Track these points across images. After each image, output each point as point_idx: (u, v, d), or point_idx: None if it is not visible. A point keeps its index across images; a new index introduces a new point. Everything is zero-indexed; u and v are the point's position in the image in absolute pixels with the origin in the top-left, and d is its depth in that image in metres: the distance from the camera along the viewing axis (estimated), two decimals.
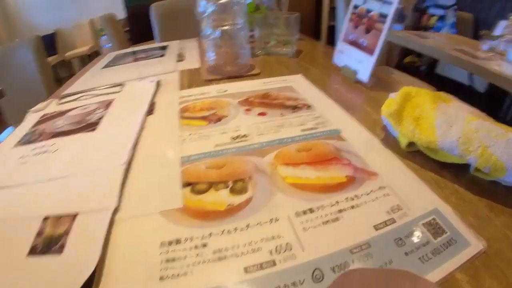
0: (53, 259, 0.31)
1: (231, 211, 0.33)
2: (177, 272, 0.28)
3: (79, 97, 0.71)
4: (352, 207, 0.33)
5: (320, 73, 0.75)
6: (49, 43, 4.61)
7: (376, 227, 0.30)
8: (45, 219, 0.36)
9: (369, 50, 0.65)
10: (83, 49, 4.85)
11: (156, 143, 0.49)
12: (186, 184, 0.38)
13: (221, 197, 0.35)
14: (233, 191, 0.36)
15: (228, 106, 0.58)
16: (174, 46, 1.22)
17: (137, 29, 4.37)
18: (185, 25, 1.63)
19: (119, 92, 0.71)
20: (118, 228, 0.34)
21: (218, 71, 0.76)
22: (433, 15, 2.64)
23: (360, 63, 0.67)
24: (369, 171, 0.38)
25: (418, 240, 0.29)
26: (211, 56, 0.76)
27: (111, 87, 0.75)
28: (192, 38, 1.31)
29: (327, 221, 0.31)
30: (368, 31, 0.67)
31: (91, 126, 0.57)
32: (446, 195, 0.34)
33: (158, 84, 0.72)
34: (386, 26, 0.61)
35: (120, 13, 4.32)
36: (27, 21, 4.92)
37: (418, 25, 2.77)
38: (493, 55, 1.38)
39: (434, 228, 0.30)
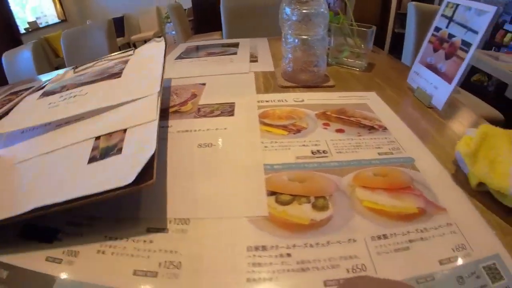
0: (114, 159, 0.40)
1: (313, 226, 0.37)
2: (263, 276, 0.31)
3: (94, 64, 0.77)
4: (421, 239, 0.35)
5: (393, 92, 0.76)
6: (117, 26, 4.93)
7: (441, 262, 0.32)
8: (97, 138, 0.44)
9: (447, 77, 0.65)
10: (148, 33, 5.25)
11: (238, 146, 0.53)
12: (270, 193, 0.41)
13: (304, 211, 0.39)
14: (315, 207, 0.39)
15: (306, 117, 0.61)
16: (245, 44, 1.25)
17: (201, 20, 4.58)
18: (253, 22, 1.67)
19: (132, 54, 0.78)
20: (206, 225, 0.37)
21: (293, 78, 0.79)
22: (508, 32, 2.50)
23: (436, 88, 0.67)
24: (439, 206, 0.40)
25: (477, 281, 0.31)
26: (288, 63, 0.79)
27: (123, 52, 0.82)
28: (262, 38, 1.34)
29: (398, 249, 0.34)
30: (448, 57, 0.67)
31: (115, 75, 0.64)
32: (508, 242, 0.35)
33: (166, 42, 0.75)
34: (468, 56, 0.61)
35: (186, 3, 4.52)
36: (98, 3, 5.24)
37: (491, 42, 2.62)
38: None
39: (493, 273, 0.31)
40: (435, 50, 0.71)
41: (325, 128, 0.58)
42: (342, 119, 0.61)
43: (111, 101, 0.53)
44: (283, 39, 0.79)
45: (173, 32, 4.36)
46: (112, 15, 4.50)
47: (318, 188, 0.43)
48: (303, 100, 0.69)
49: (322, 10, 0.72)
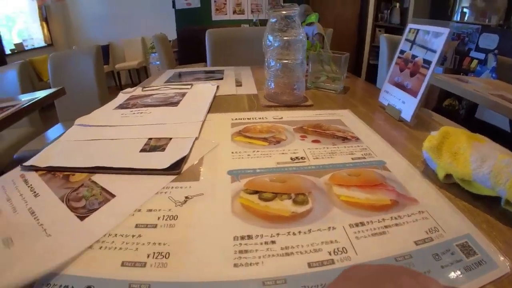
0: (158, 154, 0.57)
1: (295, 217, 0.39)
2: (249, 261, 0.33)
3: (158, 88, 1.04)
4: (396, 225, 0.38)
5: (366, 109, 0.82)
6: (102, 53, 4.87)
7: (416, 243, 0.35)
8: (149, 139, 0.62)
9: (412, 92, 0.71)
10: (132, 63, 5.18)
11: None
12: (253, 192, 0.44)
13: (285, 206, 0.41)
14: (295, 202, 0.42)
15: (285, 132, 0.65)
16: (230, 71, 1.34)
17: (185, 51, 4.65)
18: (235, 53, 1.75)
19: (189, 88, 1.03)
20: (193, 220, 0.40)
21: (274, 99, 0.85)
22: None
23: (404, 103, 0.73)
24: (410, 197, 0.43)
25: (453, 257, 0.33)
26: (270, 85, 0.85)
27: (183, 84, 1.08)
28: (245, 66, 1.42)
29: (376, 233, 0.37)
30: (412, 75, 0.73)
31: (174, 104, 0.86)
32: (478, 223, 0.39)
33: (218, 88, 1.02)
34: (429, 72, 0.68)
35: (171, 34, 4.55)
36: (85, 31, 5.28)
37: (458, 68, 2.78)
38: None
39: (467, 249, 0.34)
40: (401, 70, 0.78)
41: (303, 140, 0.62)
42: (318, 132, 0.65)
43: (167, 120, 0.74)
44: (266, 64, 0.85)
45: (158, 62, 4.35)
46: (98, 43, 4.52)
47: (297, 186, 0.46)
48: (282, 118, 0.74)
49: (300, 37, 0.80)
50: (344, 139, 0.62)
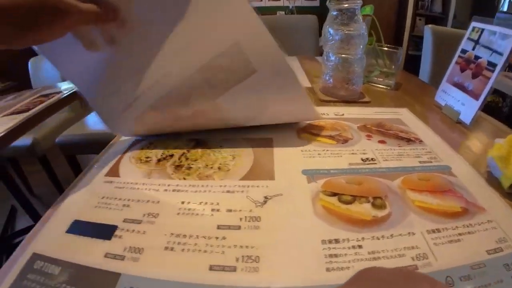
0: None
1: (376, 221, 0.42)
2: (340, 265, 0.35)
3: None
4: (469, 233, 0.40)
5: (422, 109, 0.83)
6: None
7: (488, 252, 0.37)
8: None
9: (473, 95, 0.72)
10: None
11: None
12: (332, 194, 0.47)
13: (366, 209, 0.44)
14: (374, 205, 0.44)
15: (350, 130, 0.67)
16: None
17: None
18: (276, 41, 1.73)
19: None
20: (277, 223, 0.41)
21: (332, 93, 0.87)
22: None
23: (463, 105, 0.74)
24: (479, 206, 0.45)
25: None
26: (328, 79, 0.87)
27: None
28: (292, 56, 1.40)
29: (452, 241, 0.39)
30: (474, 76, 0.73)
31: None
32: None
33: None
34: (494, 75, 0.67)
35: None
36: None
37: None
38: None
39: None
40: (462, 70, 0.78)
41: (369, 139, 0.63)
42: (381, 131, 0.67)
43: None
44: (325, 57, 0.86)
45: None
46: None
47: (375, 189, 0.48)
48: (343, 114, 0.75)
49: (362, 32, 0.80)
50: (408, 140, 0.64)
